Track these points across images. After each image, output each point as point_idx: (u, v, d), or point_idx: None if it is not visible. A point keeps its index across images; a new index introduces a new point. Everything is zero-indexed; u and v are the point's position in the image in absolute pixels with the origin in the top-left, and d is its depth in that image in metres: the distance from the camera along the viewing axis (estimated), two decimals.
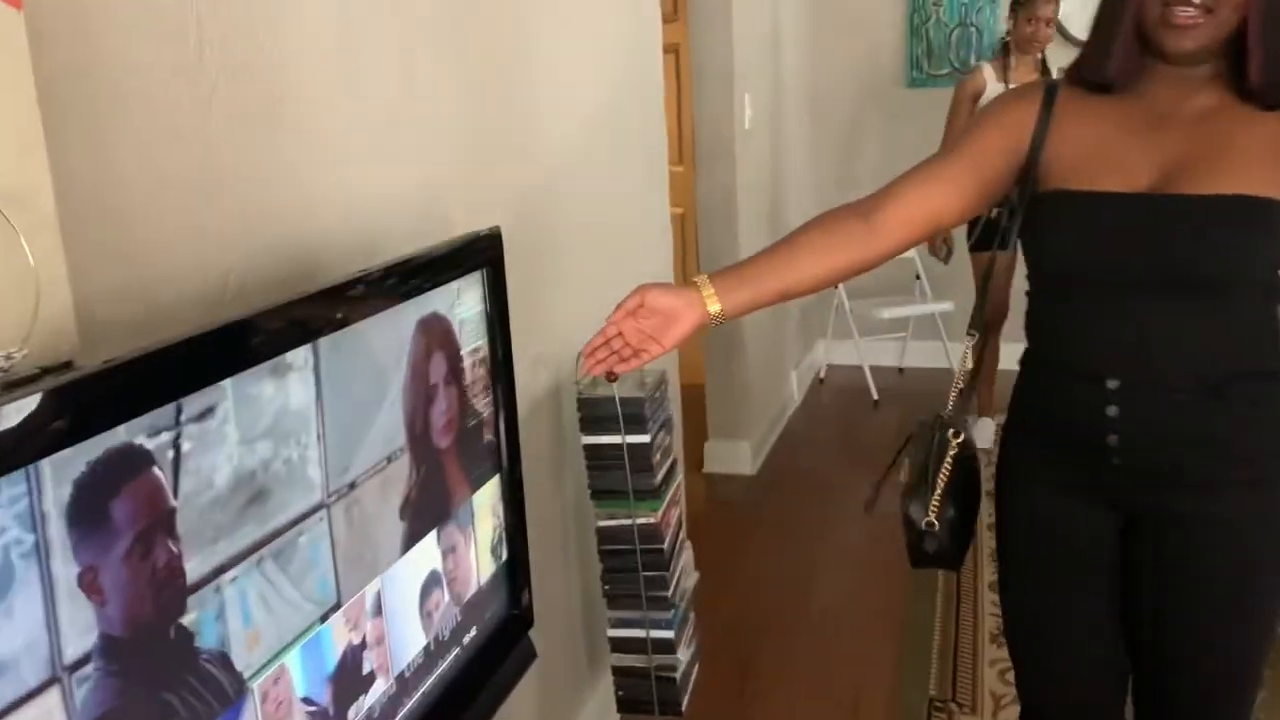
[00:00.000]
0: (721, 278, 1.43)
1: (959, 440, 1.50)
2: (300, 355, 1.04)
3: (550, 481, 2.14)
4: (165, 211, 1.14)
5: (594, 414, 2.04)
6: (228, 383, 0.94)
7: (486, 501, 1.44)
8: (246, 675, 0.97)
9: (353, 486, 1.13)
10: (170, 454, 0.87)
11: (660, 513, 2.09)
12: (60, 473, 0.76)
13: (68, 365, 0.90)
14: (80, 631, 0.78)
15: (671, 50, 4.69)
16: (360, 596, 1.15)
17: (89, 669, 0.79)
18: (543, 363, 2.10)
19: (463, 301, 1.35)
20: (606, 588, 2.11)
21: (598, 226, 2.39)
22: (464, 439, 1.37)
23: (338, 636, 1.11)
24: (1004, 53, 4.00)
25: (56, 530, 0.76)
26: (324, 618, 1.09)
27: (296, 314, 1.03)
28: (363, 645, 1.16)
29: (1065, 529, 1.50)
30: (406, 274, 1.22)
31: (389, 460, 1.20)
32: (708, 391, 4.11)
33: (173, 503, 0.88)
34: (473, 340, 1.39)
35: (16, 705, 0.73)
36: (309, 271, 1.33)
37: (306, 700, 1.06)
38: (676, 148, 4.40)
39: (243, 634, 0.97)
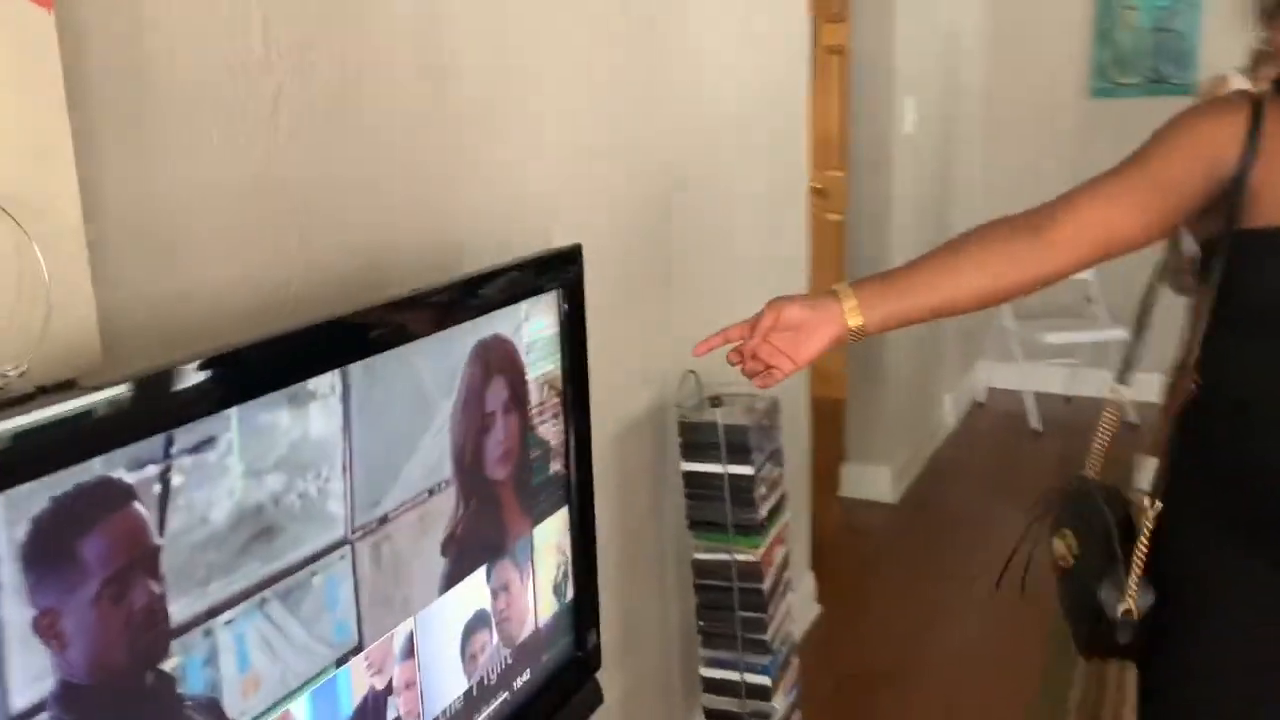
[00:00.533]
0: (867, 288, 1.28)
1: (1155, 511, 1.28)
2: (325, 382, 0.97)
3: (650, 503, 2.04)
4: (220, 220, 1.10)
5: (696, 439, 1.93)
6: (232, 412, 0.88)
7: (551, 537, 1.35)
8: None
9: (384, 521, 1.06)
10: (156, 489, 0.81)
11: (762, 550, 1.96)
12: (15, 510, 0.71)
13: (70, 384, 0.86)
14: (31, 679, 0.73)
15: (837, 51, 4.52)
16: (388, 639, 1.08)
17: (43, 717, 0.74)
18: (648, 380, 2.00)
19: (532, 323, 1.27)
20: (701, 624, 2.00)
21: (722, 235, 2.28)
22: (525, 470, 1.28)
23: (357, 682, 1.04)
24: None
25: (8, 572, 0.71)
26: (341, 661, 1.02)
27: (321, 338, 0.96)
28: (388, 690, 1.09)
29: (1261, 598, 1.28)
30: (463, 294, 1.14)
31: (430, 493, 1.12)
32: (848, 408, 3.92)
33: (157, 541, 0.82)
34: (542, 365, 1.30)
35: None
36: (380, 285, 1.27)
37: None
38: (838, 152, 4.23)
39: (237, 680, 0.90)
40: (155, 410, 0.81)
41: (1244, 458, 1.27)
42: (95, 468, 0.76)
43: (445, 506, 1.15)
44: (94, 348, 0.94)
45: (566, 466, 1.37)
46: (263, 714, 0.93)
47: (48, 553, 0.73)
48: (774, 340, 1.26)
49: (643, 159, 1.94)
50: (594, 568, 1.45)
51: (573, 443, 1.37)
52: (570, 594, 1.40)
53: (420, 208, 1.38)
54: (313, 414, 0.96)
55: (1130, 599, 1.26)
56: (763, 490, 1.96)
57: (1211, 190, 1.26)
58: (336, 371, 0.98)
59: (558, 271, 1.31)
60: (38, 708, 0.73)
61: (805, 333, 1.26)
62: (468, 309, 1.14)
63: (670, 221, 2.08)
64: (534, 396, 1.29)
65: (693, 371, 1.98)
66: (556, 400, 1.33)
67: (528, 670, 1.32)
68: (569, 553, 1.39)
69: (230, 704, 0.89)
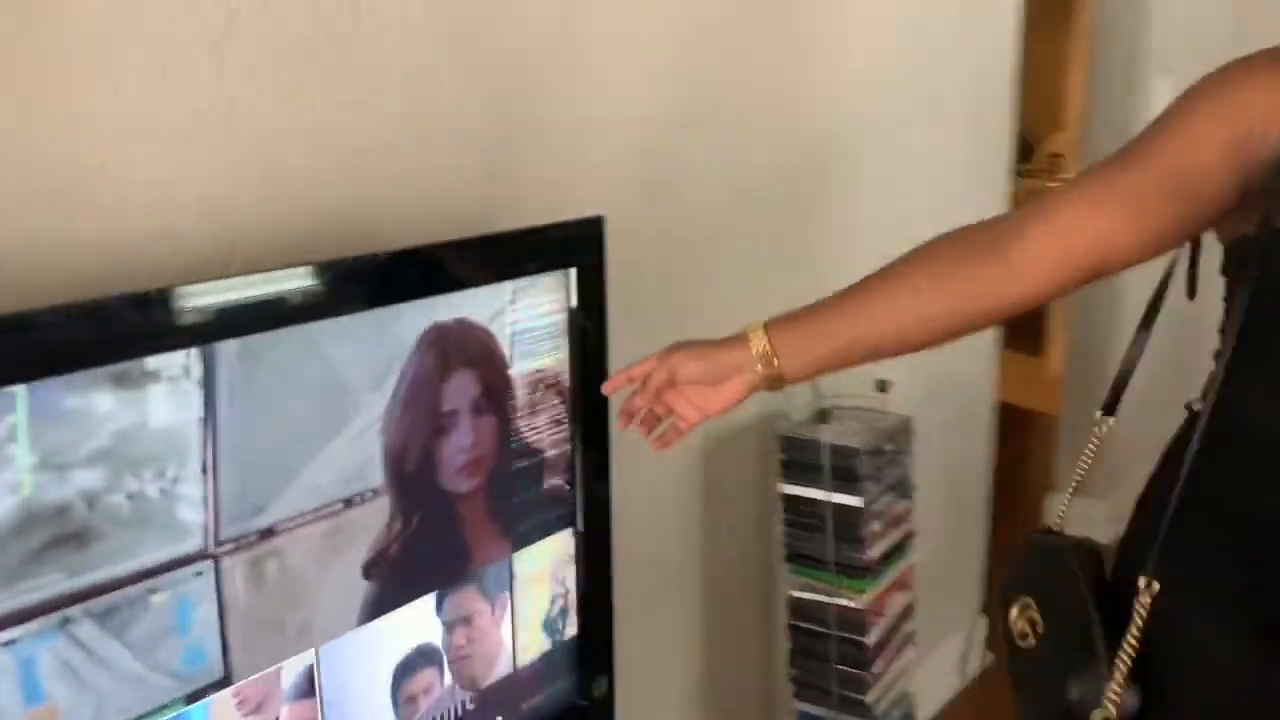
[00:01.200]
0: (785, 327, 1.01)
1: (1153, 593, 0.92)
2: (174, 362, 0.80)
3: (747, 526, 1.78)
4: (146, 166, 0.95)
5: (798, 458, 1.65)
6: (17, 389, 0.72)
7: (542, 563, 1.14)
8: None
9: (268, 535, 0.88)
10: None
11: (870, 596, 1.65)
12: None
13: None
14: None
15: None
16: (272, 673, 0.90)
17: None
18: None
19: (520, 307, 1.06)
20: (794, 672, 1.72)
21: (885, 211, 1.95)
22: (503, 484, 1.07)
23: None
24: None
25: None
26: (195, 697, 0.85)
27: (166, 308, 0.79)
28: None
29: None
30: (403, 267, 0.94)
31: (347, 504, 0.93)
32: (1060, 426, 3.42)
33: None
34: (534, 359, 1.08)
35: None
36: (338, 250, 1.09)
37: None
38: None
39: (20, 713, 0.75)
40: None
41: (1264, 512, 0.92)
42: None
43: (371, 521, 0.95)
44: None
45: (571, 482, 1.15)
46: None
47: None
48: (678, 396, 1.04)
49: (771, 118, 1.67)
50: (608, 602, 1.22)
51: (581, 454, 1.15)
52: (570, 631, 1.19)
53: (441, 170, 1.20)
54: (153, 399, 0.79)
55: (1111, 703, 0.92)
56: (876, 526, 1.65)
57: (1246, 179, 0.90)
58: (192, 350, 0.81)
59: (567, 246, 1.09)
60: None
61: (709, 388, 1.03)
62: (409, 286, 0.94)
63: (815, 197, 1.80)
64: (520, 396, 1.08)
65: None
66: (557, 402, 1.12)
67: (499, 719, 1.12)
68: (571, 584, 1.17)
69: None
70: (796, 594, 1.69)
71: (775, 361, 0.99)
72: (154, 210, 0.96)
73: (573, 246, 1.08)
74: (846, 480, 1.61)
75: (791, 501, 1.67)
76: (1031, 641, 1.02)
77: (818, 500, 1.63)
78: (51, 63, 0.88)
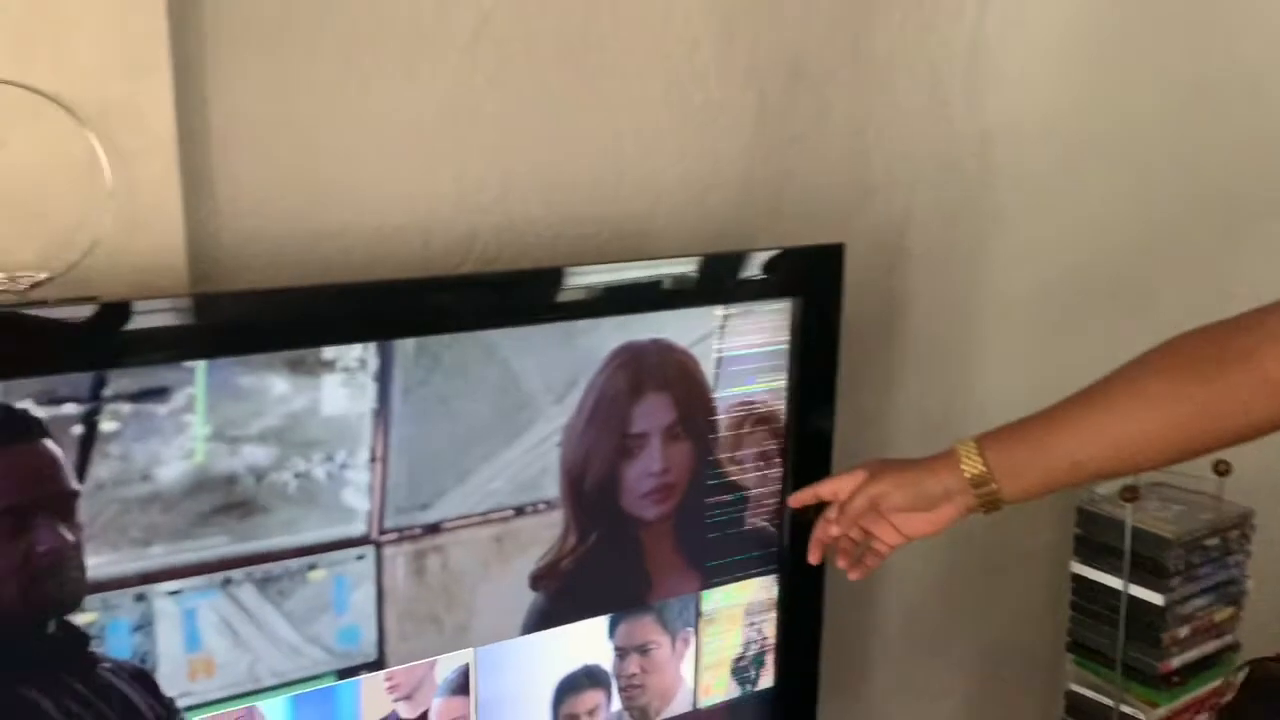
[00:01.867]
0: (998, 445, 0.90)
1: None
2: (350, 354, 0.83)
3: (1031, 599, 1.58)
4: (389, 161, 1.00)
5: (1096, 537, 1.42)
6: (198, 365, 0.78)
7: (734, 604, 1.07)
8: (181, 703, 0.82)
9: (434, 530, 0.90)
10: (78, 430, 0.74)
11: (1166, 712, 1.40)
12: None
13: (91, 300, 0.82)
14: None
15: None
16: (427, 665, 0.92)
17: None
18: None
19: (732, 333, 0.99)
20: None
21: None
22: (697, 517, 1.02)
23: (370, 701, 0.90)
24: None
25: None
26: (347, 673, 0.89)
27: (350, 303, 0.82)
28: None
29: None
30: (599, 283, 0.92)
31: (518, 513, 0.93)
32: None
33: (73, 485, 0.75)
34: (745, 388, 1.01)
35: None
36: (560, 253, 1.09)
37: None
38: None
39: (181, 657, 0.82)
40: (80, 344, 0.75)
41: None
42: None
43: (543, 533, 0.94)
44: (178, 269, 0.91)
45: (779, 526, 1.07)
46: (216, 702, 0.84)
47: None
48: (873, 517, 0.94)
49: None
50: (814, 656, 1.13)
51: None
52: (765, 682, 1.11)
53: (696, 182, 1.16)
54: (327, 387, 0.83)
55: None
56: (1182, 631, 1.39)
57: None
58: (370, 344, 0.84)
59: (794, 276, 1.00)
60: None
61: (918, 515, 0.93)
62: (603, 302, 0.92)
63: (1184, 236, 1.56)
64: (724, 427, 1.01)
65: None
66: (769, 438, 1.04)
67: None
68: (769, 632, 1.09)
69: (168, 680, 0.81)
70: (1076, 688, 1.47)
71: (993, 485, 0.89)
72: (394, 205, 1.01)
73: (801, 274, 1.00)
74: (1150, 573, 1.37)
75: (1082, 584, 1.45)
76: None
77: (1113, 589, 1.41)
78: (307, 61, 0.95)
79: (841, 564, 1.00)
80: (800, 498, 1.01)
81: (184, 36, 0.88)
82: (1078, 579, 1.47)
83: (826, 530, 0.96)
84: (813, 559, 1.00)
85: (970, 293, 1.41)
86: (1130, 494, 1.40)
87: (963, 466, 0.90)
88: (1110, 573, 1.42)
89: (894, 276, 1.33)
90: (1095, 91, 1.44)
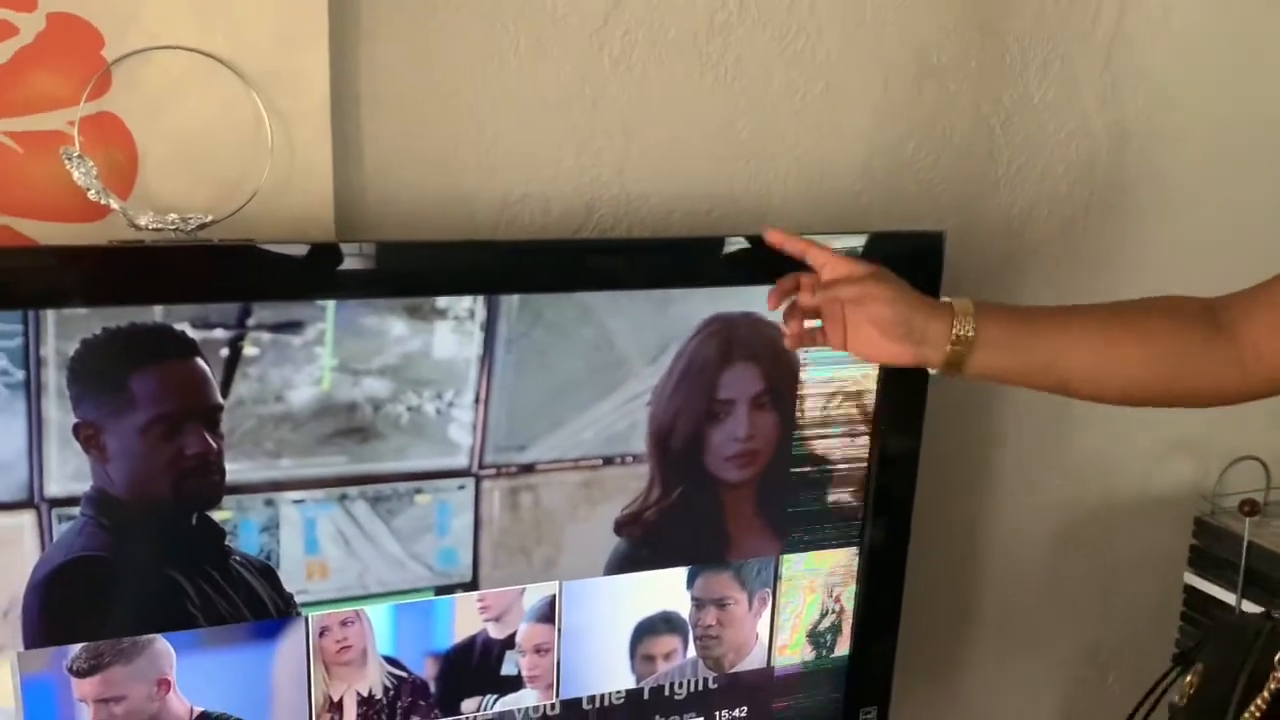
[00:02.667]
0: (991, 317, 0.90)
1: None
2: (461, 304, 0.92)
3: (1141, 604, 1.54)
4: (516, 134, 1.08)
5: (1212, 549, 1.39)
6: (329, 304, 0.88)
7: (816, 572, 1.11)
8: (299, 599, 0.94)
9: (528, 470, 0.98)
10: (224, 351, 0.86)
11: None
12: (68, 327, 0.82)
13: (246, 242, 0.94)
14: (68, 476, 0.84)
15: None
16: (516, 592, 1.01)
17: (75, 511, 0.86)
18: (1188, 448, 1.49)
19: None
20: None
21: None
22: (779, 485, 1.07)
23: (463, 618, 1.00)
24: None
25: (53, 377, 0.82)
26: (444, 590, 0.99)
27: (462, 259, 0.91)
28: (508, 644, 1.02)
29: None
30: (694, 255, 0.99)
31: (606, 462, 1.00)
32: None
33: (218, 400, 0.87)
34: (835, 367, 1.05)
35: None
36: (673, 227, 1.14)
37: (392, 661, 0.99)
38: None
39: (301, 558, 0.93)
40: (234, 279, 0.86)
41: None
42: (155, 314, 0.84)
43: (628, 484, 1.02)
44: (326, 220, 1.02)
45: (864, 502, 1.10)
46: (329, 602, 0.95)
47: (94, 373, 0.83)
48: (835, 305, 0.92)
49: None
50: (891, 632, 1.16)
51: (876, 477, 1.10)
52: (840, 650, 1.15)
53: (816, 162, 1.20)
54: (440, 333, 0.92)
55: None
56: None
57: None
58: (479, 297, 0.92)
59: (896, 260, 1.02)
60: (71, 501, 0.86)
61: (879, 333, 0.91)
62: (697, 273, 0.98)
63: None
64: (811, 401, 1.06)
65: (1255, 459, 1.42)
66: (857, 416, 1.07)
67: (744, 709, 1.13)
68: (847, 603, 1.13)
69: (289, 577, 0.93)
70: (1181, 703, 1.45)
71: (967, 352, 0.89)
72: (519, 174, 1.10)
73: (898, 259, 1.03)
74: (1265, 590, 1.33)
75: (1195, 596, 1.42)
76: (1183, 702, 1.01)
77: (1225, 603, 1.37)
78: (450, 37, 1.04)
79: (793, 329, 0.97)
80: (793, 244, 0.97)
81: (341, 10, 0.99)
82: (1190, 590, 1.44)
83: (803, 296, 0.95)
84: (771, 305, 0.96)
85: (1094, 295, 1.39)
86: (1250, 508, 1.36)
87: (955, 323, 0.90)
88: (1224, 586, 1.39)
89: (1010, 271, 1.33)
90: (1238, 92, 1.39)
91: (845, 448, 1.09)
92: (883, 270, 0.93)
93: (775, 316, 1.01)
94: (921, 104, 1.24)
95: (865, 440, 1.09)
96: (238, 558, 0.92)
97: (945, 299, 0.93)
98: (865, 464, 1.10)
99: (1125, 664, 1.59)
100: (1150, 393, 0.90)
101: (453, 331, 0.93)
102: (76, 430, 0.84)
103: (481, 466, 0.97)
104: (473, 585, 1.00)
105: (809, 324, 0.96)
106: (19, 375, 0.82)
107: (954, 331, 0.89)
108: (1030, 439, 1.42)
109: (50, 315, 0.81)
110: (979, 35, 1.25)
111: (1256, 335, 0.85)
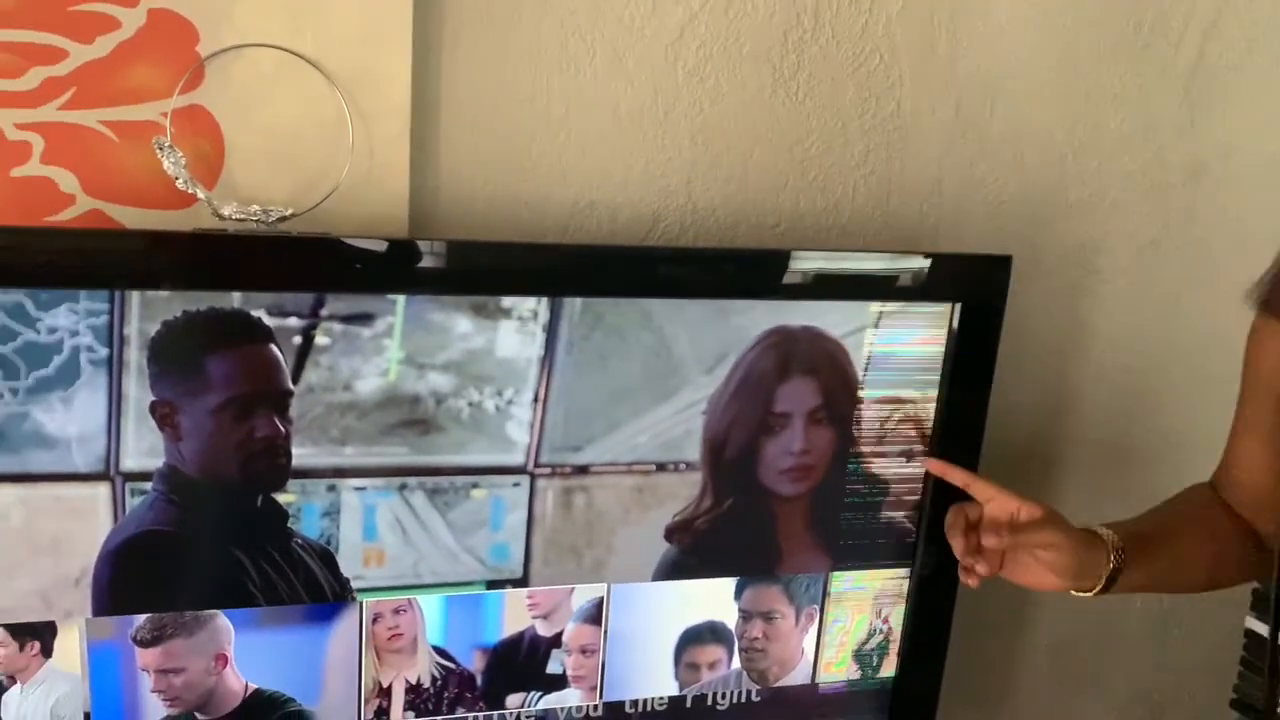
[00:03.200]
0: (1133, 551, 0.99)
1: None
2: (525, 305, 0.93)
3: (1200, 647, 1.50)
4: (589, 141, 1.10)
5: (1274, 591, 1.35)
6: (399, 298, 0.91)
7: (865, 591, 1.11)
8: (355, 585, 0.96)
9: (583, 471, 0.99)
10: (297, 340, 0.89)
11: None
12: (151, 308, 0.85)
13: (323, 235, 0.97)
14: (144, 452, 0.88)
15: None
16: (565, 591, 1.02)
17: (148, 486, 0.89)
18: None
19: (887, 330, 1.03)
20: None
21: None
22: (832, 500, 1.07)
23: (511, 614, 1.01)
24: None
25: (135, 355, 0.86)
26: (495, 585, 1.00)
27: (528, 261, 0.93)
28: (555, 642, 1.03)
29: None
30: (754, 267, 0.99)
31: (659, 468, 1.01)
32: None
33: (289, 386, 0.90)
34: (894, 388, 1.05)
35: (62, 477, 0.87)
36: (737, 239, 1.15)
37: (441, 652, 1.00)
38: None
39: (359, 544, 0.96)
40: (309, 270, 0.89)
41: None
42: (234, 300, 0.87)
43: (681, 491, 1.02)
44: (401, 218, 1.05)
45: (918, 525, 1.10)
46: (383, 589, 0.97)
47: (172, 354, 0.87)
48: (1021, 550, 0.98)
49: None
50: (939, 657, 1.15)
51: (934, 497, 1.09)
52: (886, 671, 1.14)
53: (881, 179, 1.20)
54: (503, 332, 0.94)
55: None
56: None
57: None
58: (542, 299, 0.94)
59: (955, 282, 1.03)
60: (145, 476, 0.89)
61: (1052, 574, 0.97)
62: (758, 286, 0.98)
63: None
64: (868, 420, 1.06)
65: None
66: (914, 437, 1.07)
67: None
68: (895, 624, 1.13)
69: (346, 563, 0.96)
70: None
71: (1115, 580, 0.97)
72: (589, 181, 1.12)
73: (962, 281, 1.03)
74: None
75: (1255, 641, 1.39)
76: None
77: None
78: (529, 45, 1.07)
79: (981, 570, 1.00)
80: (955, 475, 1.01)
81: (425, 15, 1.02)
82: (1250, 635, 1.40)
83: (989, 539, 0.97)
84: (979, 570, 0.99)
85: (1163, 327, 1.37)
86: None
87: (1110, 558, 0.97)
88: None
89: (1078, 296, 1.32)
90: None
91: (901, 468, 1.09)
92: (1051, 510, 0.99)
93: (836, 331, 1.03)
94: (993, 128, 1.24)
95: (920, 457, 1.09)
96: (299, 540, 0.95)
97: (1094, 530, 1.00)
98: (921, 486, 1.10)
99: (1181, 708, 1.55)
100: (1225, 583, 1.07)
101: (516, 331, 0.95)
102: (153, 408, 0.88)
103: (537, 465, 0.99)
104: (523, 581, 1.02)
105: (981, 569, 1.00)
106: (103, 352, 0.86)
107: (1109, 565, 0.97)
108: (1089, 472, 1.40)
109: (135, 296, 0.85)
110: (1054, 63, 1.24)
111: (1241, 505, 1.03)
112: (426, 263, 0.92)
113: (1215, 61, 1.30)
